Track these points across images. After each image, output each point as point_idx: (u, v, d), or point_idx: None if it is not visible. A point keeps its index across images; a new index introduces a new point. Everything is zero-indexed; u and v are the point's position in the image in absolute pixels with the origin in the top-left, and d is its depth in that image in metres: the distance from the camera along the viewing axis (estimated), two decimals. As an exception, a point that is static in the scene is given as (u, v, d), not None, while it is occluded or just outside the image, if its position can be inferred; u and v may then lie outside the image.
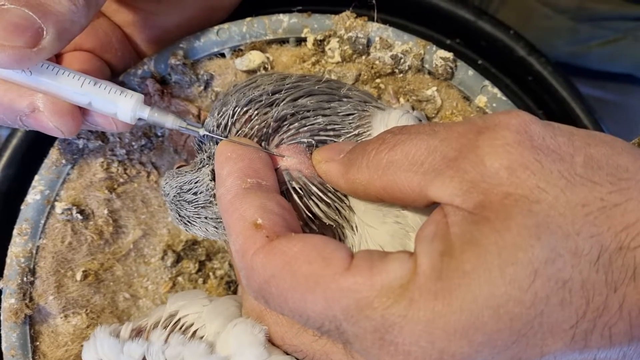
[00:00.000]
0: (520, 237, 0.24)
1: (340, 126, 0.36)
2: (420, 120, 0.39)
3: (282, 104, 0.36)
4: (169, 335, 0.34)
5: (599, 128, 0.53)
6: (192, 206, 0.37)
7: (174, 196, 0.38)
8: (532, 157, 0.26)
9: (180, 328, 0.35)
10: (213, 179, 0.36)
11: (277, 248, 0.28)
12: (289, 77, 0.38)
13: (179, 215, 0.38)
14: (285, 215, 0.31)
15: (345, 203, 0.35)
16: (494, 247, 0.24)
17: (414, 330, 0.25)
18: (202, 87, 0.45)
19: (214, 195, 0.36)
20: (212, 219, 0.37)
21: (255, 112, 0.36)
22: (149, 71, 0.44)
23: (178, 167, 0.40)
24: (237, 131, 0.36)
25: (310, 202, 0.34)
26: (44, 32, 0.33)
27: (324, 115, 0.36)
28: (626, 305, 0.24)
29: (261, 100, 0.36)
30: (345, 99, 0.38)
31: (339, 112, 0.37)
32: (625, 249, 0.25)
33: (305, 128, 0.36)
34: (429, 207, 0.29)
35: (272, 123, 0.35)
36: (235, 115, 0.36)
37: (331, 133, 0.36)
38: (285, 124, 0.36)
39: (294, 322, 0.32)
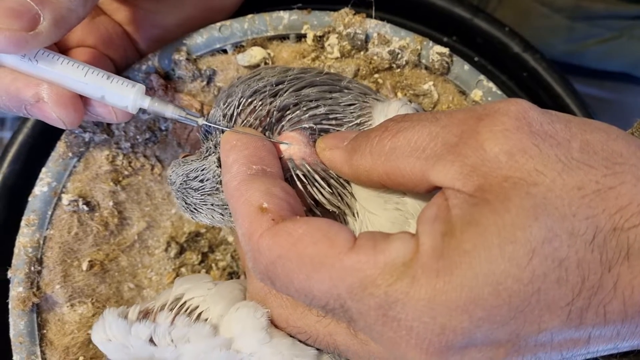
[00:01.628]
0: (519, 218, 0.25)
1: (342, 115, 0.37)
2: (418, 111, 0.40)
3: (285, 94, 0.37)
4: (175, 317, 0.35)
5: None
6: (198, 193, 0.38)
7: (181, 184, 0.39)
8: (530, 142, 0.27)
9: (186, 310, 0.36)
10: (219, 166, 0.37)
11: (282, 230, 0.29)
12: (291, 70, 0.39)
13: (186, 203, 0.39)
14: (289, 200, 0.32)
15: (348, 190, 0.36)
16: (494, 227, 0.26)
17: (417, 306, 0.26)
18: (204, 83, 0.46)
19: (220, 182, 0.37)
20: (218, 205, 0.38)
21: (260, 102, 0.37)
22: (153, 67, 0.46)
23: (184, 157, 0.41)
24: (242, 121, 0.37)
25: (314, 189, 0.36)
26: (41, 18, 0.34)
27: (325, 105, 0.37)
28: (620, 284, 0.26)
29: (265, 91, 0.37)
30: (346, 90, 0.39)
31: (341, 102, 0.38)
32: (619, 229, 0.26)
33: (307, 115, 0.37)
34: (430, 193, 0.30)
35: (275, 112, 0.37)
36: (241, 106, 0.37)
37: (333, 122, 0.37)
38: (289, 113, 0.37)
39: (298, 304, 0.33)
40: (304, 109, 0.37)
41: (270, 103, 0.37)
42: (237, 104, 0.37)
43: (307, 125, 0.37)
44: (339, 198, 0.36)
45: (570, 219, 0.26)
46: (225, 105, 0.38)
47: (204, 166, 0.38)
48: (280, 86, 0.37)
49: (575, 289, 0.25)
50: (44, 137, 0.50)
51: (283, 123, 0.37)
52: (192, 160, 0.39)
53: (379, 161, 0.31)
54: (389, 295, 0.26)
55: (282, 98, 0.37)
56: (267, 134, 0.37)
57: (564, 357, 0.28)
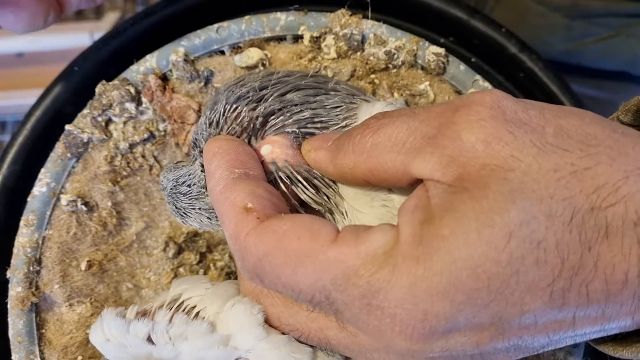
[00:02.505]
0: (496, 202, 0.26)
1: (327, 118, 0.38)
2: None
3: (269, 99, 0.37)
4: (172, 315, 0.36)
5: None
6: (186, 198, 0.39)
7: (171, 189, 0.40)
8: (505, 130, 0.28)
9: (184, 310, 0.36)
10: (204, 171, 0.37)
11: (268, 228, 0.30)
12: (275, 73, 0.39)
13: (176, 207, 0.40)
14: (273, 200, 0.33)
15: (333, 189, 0.36)
16: (471, 212, 0.26)
17: (399, 293, 0.26)
18: (202, 84, 0.46)
19: (205, 187, 0.37)
20: (204, 209, 0.39)
21: (244, 108, 0.37)
22: (150, 68, 0.46)
23: (177, 163, 0.42)
24: (228, 127, 0.38)
25: (298, 189, 0.36)
26: None
27: (310, 109, 0.38)
28: (601, 264, 0.26)
29: (249, 97, 0.37)
30: (332, 92, 0.39)
31: (326, 105, 0.38)
32: (597, 209, 0.26)
33: (291, 120, 0.37)
34: (413, 187, 0.31)
35: (259, 119, 0.37)
36: (225, 113, 0.37)
37: (318, 125, 0.37)
38: (272, 119, 0.37)
39: (289, 302, 0.33)
40: (288, 114, 0.37)
41: (254, 109, 0.37)
42: (222, 110, 0.38)
43: (290, 130, 0.37)
44: (325, 197, 0.36)
45: (548, 200, 0.26)
46: (211, 112, 0.38)
47: (190, 171, 0.39)
48: (264, 91, 0.38)
49: (555, 269, 0.26)
50: (43, 139, 0.51)
51: (266, 129, 0.37)
52: (182, 166, 0.40)
53: (361, 158, 0.32)
54: (372, 284, 0.27)
55: (267, 104, 0.37)
56: (251, 139, 0.37)
57: (552, 341, 0.28)
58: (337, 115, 0.38)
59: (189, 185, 0.39)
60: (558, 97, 0.55)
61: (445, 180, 0.28)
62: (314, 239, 0.29)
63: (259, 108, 0.37)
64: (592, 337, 0.29)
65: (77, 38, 1.41)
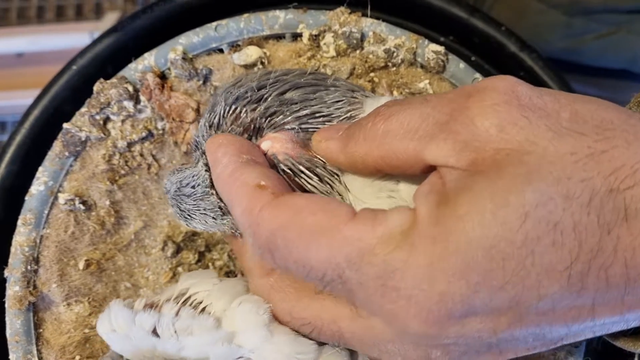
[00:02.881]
0: (512, 183, 0.26)
1: (327, 112, 0.37)
2: None
3: (269, 99, 0.37)
4: (179, 309, 0.36)
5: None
6: (191, 199, 0.39)
7: (175, 191, 0.39)
8: (519, 114, 0.27)
9: (191, 304, 0.36)
10: (208, 170, 0.37)
11: (283, 202, 0.30)
12: (273, 72, 0.39)
13: (180, 210, 0.40)
14: (284, 183, 0.33)
15: (337, 178, 0.36)
16: (487, 192, 0.26)
17: (415, 274, 0.26)
18: (201, 82, 0.46)
19: (210, 186, 0.37)
20: (210, 209, 0.38)
21: (244, 108, 0.37)
22: (149, 66, 0.46)
23: (180, 166, 0.41)
24: (228, 128, 0.37)
25: (302, 179, 0.36)
26: None
27: (310, 106, 0.37)
28: (620, 247, 0.25)
29: (247, 97, 0.37)
30: (332, 88, 0.39)
31: (327, 101, 0.38)
32: (615, 191, 0.26)
33: (290, 118, 0.37)
34: (425, 174, 0.31)
35: (260, 118, 0.37)
36: (225, 114, 0.37)
37: (320, 119, 0.37)
38: (272, 117, 0.37)
39: (301, 295, 0.33)
40: (287, 112, 0.37)
41: (254, 109, 0.37)
42: (221, 112, 0.37)
43: (289, 127, 0.37)
44: (329, 186, 0.36)
45: (565, 182, 0.26)
46: (210, 114, 0.38)
47: (194, 173, 0.38)
48: (263, 91, 0.37)
49: (573, 252, 0.25)
50: (42, 138, 0.50)
51: (266, 128, 0.37)
52: (185, 168, 0.39)
53: (373, 146, 0.32)
54: (388, 264, 0.27)
55: (266, 104, 0.37)
56: (252, 139, 0.37)
57: (570, 331, 0.28)
58: (338, 109, 0.38)
59: (193, 187, 0.39)
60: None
61: (460, 166, 0.28)
62: (331, 216, 0.29)
63: (258, 108, 0.37)
64: (612, 329, 0.28)
65: (76, 38, 1.41)
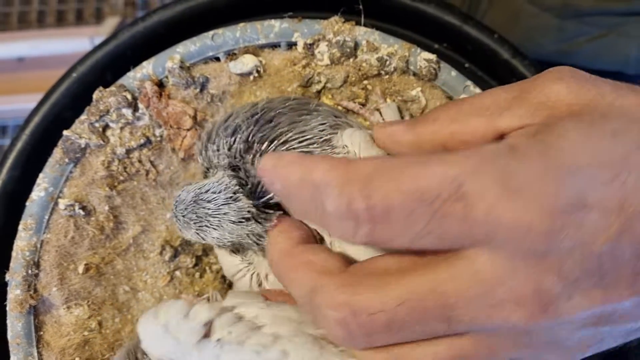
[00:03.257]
0: (593, 119, 0.29)
1: (310, 136, 0.40)
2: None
3: (261, 127, 0.40)
4: (235, 322, 0.36)
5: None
6: (212, 204, 0.40)
7: (192, 198, 0.41)
8: (585, 80, 0.31)
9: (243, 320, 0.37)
10: (232, 177, 0.40)
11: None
12: (259, 102, 0.42)
13: (196, 216, 0.41)
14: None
15: None
16: (573, 121, 0.29)
17: (532, 175, 0.27)
18: (198, 90, 0.47)
19: (236, 192, 0.40)
20: (234, 213, 0.40)
21: (238, 137, 0.40)
22: (147, 74, 0.47)
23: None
24: (230, 158, 0.41)
25: None
26: None
27: (298, 131, 0.40)
28: None
29: (241, 128, 0.41)
30: (314, 112, 0.42)
31: (311, 124, 0.41)
32: None
33: (281, 142, 0.40)
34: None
35: (254, 146, 0.40)
36: (220, 148, 0.41)
37: (305, 143, 0.40)
38: (265, 145, 0.40)
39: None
40: (276, 142, 0.40)
41: (247, 139, 0.40)
42: (215, 148, 0.41)
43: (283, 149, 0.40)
44: None
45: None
46: (207, 150, 0.42)
47: (216, 181, 0.41)
48: (254, 119, 0.41)
49: None
50: (42, 145, 0.51)
51: (260, 153, 0.40)
52: (199, 181, 0.42)
53: (444, 125, 0.34)
54: (505, 169, 0.27)
55: (258, 132, 0.40)
56: (247, 165, 0.40)
57: None
58: (322, 131, 0.41)
59: (214, 192, 0.40)
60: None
61: (537, 122, 0.30)
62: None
63: (251, 136, 0.40)
64: None
65: (77, 43, 1.43)
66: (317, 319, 0.31)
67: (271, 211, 0.40)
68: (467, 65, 0.59)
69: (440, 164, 0.28)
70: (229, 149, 0.41)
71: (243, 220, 0.40)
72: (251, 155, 0.40)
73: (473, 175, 0.27)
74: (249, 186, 0.40)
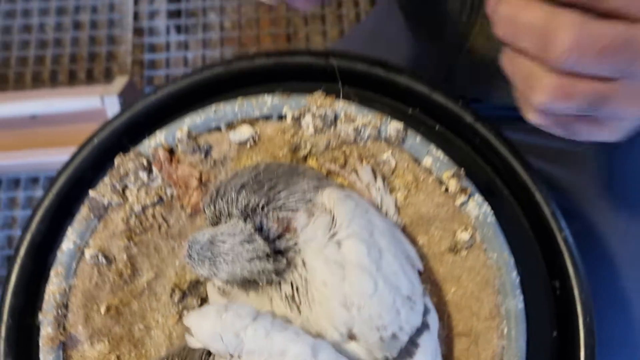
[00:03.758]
0: None
1: (300, 196, 0.48)
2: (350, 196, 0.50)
3: (262, 186, 0.48)
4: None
5: (538, 177, 0.63)
6: (227, 244, 0.46)
7: (208, 239, 0.46)
8: None
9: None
10: (246, 221, 0.47)
11: None
12: (259, 165, 0.51)
13: (211, 253, 0.46)
14: None
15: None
16: None
17: None
18: (203, 155, 0.55)
19: (251, 234, 0.46)
20: (250, 251, 0.46)
21: (245, 193, 0.48)
22: (160, 142, 0.55)
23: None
24: (238, 211, 0.48)
25: None
26: None
27: (291, 192, 0.48)
28: None
29: (246, 186, 0.48)
30: (302, 175, 0.50)
31: (299, 186, 0.49)
32: None
33: (277, 199, 0.48)
34: None
35: (258, 201, 0.47)
36: (231, 202, 0.48)
37: (293, 200, 0.48)
38: (264, 201, 0.48)
39: None
40: (275, 200, 0.48)
41: (254, 195, 0.48)
42: (225, 202, 0.48)
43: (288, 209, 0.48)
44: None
45: None
46: (216, 204, 0.49)
47: (231, 225, 0.47)
48: (258, 180, 0.49)
49: None
50: (66, 201, 0.59)
51: (265, 212, 0.47)
52: (212, 228, 0.48)
53: None
54: None
55: (261, 192, 0.48)
56: (255, 219, 0.47)
57: None
58: (305, 192, 0.49)
59: (230, 234, 0.46)
60: (509, 161, 0.64)
61: None
62: None
63: (256, 195, 0.48)
64: None
65: (88, 101, 1.49)
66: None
67: (282, 257, 0.46)
68: (437, 127, 0.67)
69: None
70: (237, 202, 0.48)
71: (257, 258, 0.46)
72: (257, 208, 0.47)
73: None
74: (261, 232, 0.47)
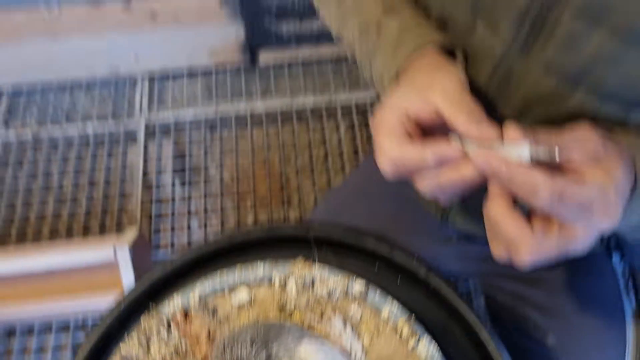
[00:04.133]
0: None
1: (288, 346, 0.63)
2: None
3: (263, 340, 0.64)
4: None
5: (481, 318, 0.77)
6: None
7: None
8: None
9: None
10: None
11: None
12: (258, 324, 0.67)
13: None
14: None
15: None
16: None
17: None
18: (211, 315, 0.71)
19: None
20: None
21: (249, 345, 0.64)
22: (177, 305, 0.71)
23: None
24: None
25: None
26: None
27: (278, 342, 0.64)
28: None
29: (249, 340, 0.64)
30: (287, 328, 0.65)
31: (287, 339, 0.65)
32: None
33: (273, 350, 0.63)
34: None
35: (260, 351, 0.63)
36: (241, 351, 0.64)
37: (282, 350, 0.62)
38: (265, 352, 0.63)
39: None
40: (275, 351, 0.64)
41: (255, 347, 0.64)
42: (235, 353, 0.64)
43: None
44: None
45: None
46: (225, 354, 0.64)
47: None
48: (255, 338, 0.65)
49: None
50: (98, 352, 0.74)
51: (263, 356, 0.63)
52: None
53: None
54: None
55: (257, 345, 0.64)
56: None
57: None
58: (290, 342, 0.63)
59: None
60: (456, 306, 0.78)
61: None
62: None
63: (258, 346, 0.64)
64: None
65: (102, 252, 1.62)
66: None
67: None
68: (399, 279, 0.83)
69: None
70: (246, 353, 0.63)
71: None
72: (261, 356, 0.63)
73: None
74: None
